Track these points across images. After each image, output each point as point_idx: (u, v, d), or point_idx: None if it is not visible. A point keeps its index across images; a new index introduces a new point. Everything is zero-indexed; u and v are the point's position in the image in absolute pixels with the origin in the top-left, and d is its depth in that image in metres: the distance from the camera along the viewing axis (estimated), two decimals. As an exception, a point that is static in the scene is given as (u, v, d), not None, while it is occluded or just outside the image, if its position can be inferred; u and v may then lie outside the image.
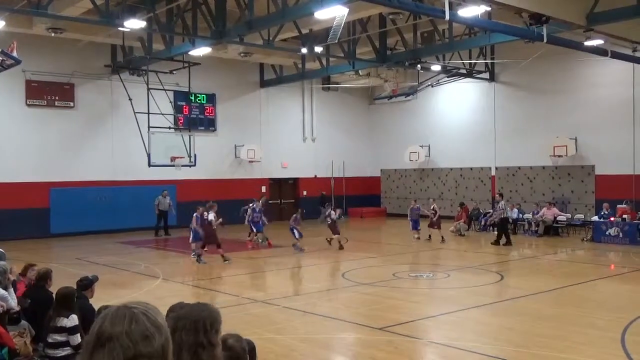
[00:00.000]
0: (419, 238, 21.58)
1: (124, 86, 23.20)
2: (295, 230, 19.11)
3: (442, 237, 21.02)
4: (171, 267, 16.94)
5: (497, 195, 21.40)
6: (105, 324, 1.71)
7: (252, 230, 20.59)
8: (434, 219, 21.12)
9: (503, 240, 20.17)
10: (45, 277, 7.64)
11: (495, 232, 22.08)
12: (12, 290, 7.75)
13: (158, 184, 24.58)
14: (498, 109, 27.85)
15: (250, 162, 28.81)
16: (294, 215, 19.76)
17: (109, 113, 25.18)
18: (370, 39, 22.89)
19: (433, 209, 21.29)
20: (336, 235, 19.57)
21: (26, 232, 22.11)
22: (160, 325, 1.75)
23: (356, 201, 32.07)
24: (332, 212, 19.99)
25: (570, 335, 9.04)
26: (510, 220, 22.48)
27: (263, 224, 20.60)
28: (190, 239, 17.47)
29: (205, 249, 17.39)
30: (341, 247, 19.35)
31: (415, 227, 21.80)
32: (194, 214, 17.53)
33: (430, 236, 21.31)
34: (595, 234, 20.88)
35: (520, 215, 23.94)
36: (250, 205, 20.51)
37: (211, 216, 17.09)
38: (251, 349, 3.22)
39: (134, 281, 14.80)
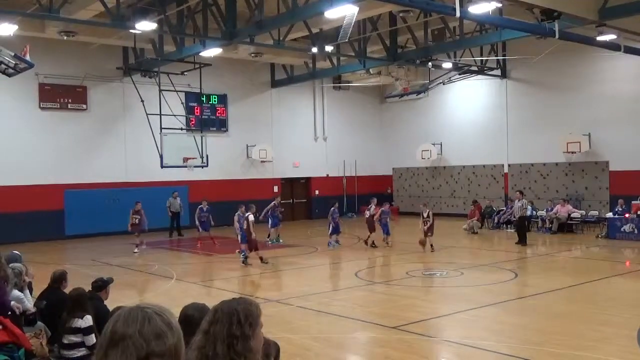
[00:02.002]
0: (387, 243, 19.55)
1: (136, 88, 23.32)
2: (331, 225, 19.91)
3: (431, 246, 18.45)
4: (185, 267, 17.01)
5: (517, 193, 20.95)
6: (119, 323, 1.74)
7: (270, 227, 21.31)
8: (426, 227, 18.48)
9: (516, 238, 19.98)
10: (60, 278, 7.70)
11: (512, 231, 22.06)
12: (27, 292, 7.82)
13: (171, 185, 24.69)
14: (510, 106, 27.70)
15: (262, 162, 28.87)
16: (332, 209, 20.20)
17: (121, 115, 25.33)
18: (381, 37, 22.84)
19: (427, 216, 18.68)
20: (372, 233, 19.40)
21: (41, 234, 22.29)
22: (172, 325, 1.78)
23: (368, 200, 31.95)
24: (373, 206, 19.79)
25: (586, 333, 8.97)
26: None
27: (275, 224, 21.17)
28: (240, 239, 17.01)
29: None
30: (374, 245, 19.33)
31: (385, 231, 19.54)
32: (237, 214, 17.73)
33: (432, 246, 18.49)
34: (610, 230, 20.70)
35: (534, 212, 23.79)
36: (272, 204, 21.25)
37: (251, 217, 16.33)
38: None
39: (148, 282, 14.89)
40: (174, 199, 23.56)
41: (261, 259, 16.31)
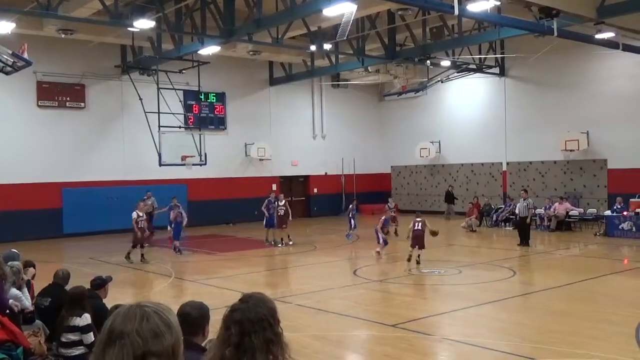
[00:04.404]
0: (379, 255, 17.00)
1: (134, 86, 23.28)
2: (352, 221, 20.49)
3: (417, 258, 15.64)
4: (183, 265, 16.99)
5: (522, 192, 20.70)
6: (117, 321, 1.73)
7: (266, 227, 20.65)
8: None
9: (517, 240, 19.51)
10: (66, 278, 7.73)
11: (511, 229, 22.14)
12: (25, 290, 7.82)
13: (169, 184, 24.67)
14: (508, 104, 27.71)
15: (261, 160, 28.84)
16: (350, 205, 20.69)
17: (120, 113, 25.30)
18: (379, 36, 22.83)
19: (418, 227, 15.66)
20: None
21: (39, 233, 22.25)
22: (171, 324, 1.77)
23: (367, 198, 32.02)
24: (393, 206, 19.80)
25: (584, 331, 8.98)
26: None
27: (269, 224, 20.36)
28: (172, 235, 18.91)
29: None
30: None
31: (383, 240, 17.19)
32: (178, 210, 18.88)
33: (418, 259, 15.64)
34: (608, 228, 20.74)
35: (532, 210, 23.74)
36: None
37: (134, 215, 17.19)
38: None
39: (147, 280, 14.89)
40: (148, 198, 22.76)
41: (139, 255, 17.04)
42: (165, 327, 1.74)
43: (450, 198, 28.92)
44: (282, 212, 20.01)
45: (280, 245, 19.82)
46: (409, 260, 15.46)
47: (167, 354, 1.71)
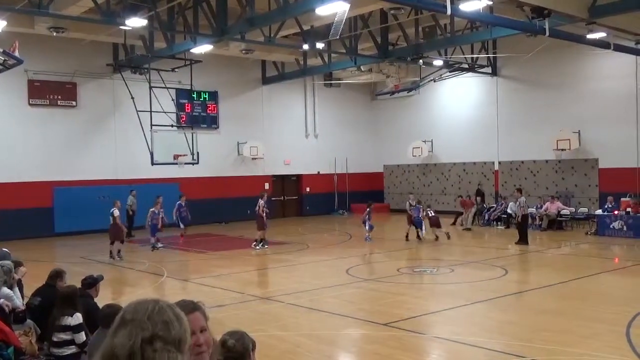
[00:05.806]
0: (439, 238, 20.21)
1: (126, 85, 23.20)
2: (366, 224, 20.53)
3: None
4: (175, 265, 16.97)
5: (515, 191, 20.79)
6: (130, 308, 1.82)
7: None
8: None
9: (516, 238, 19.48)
10: (56, 276, 7.68)
11: (502, 227, 22.23)
12: (17, 289, 7.79)
13: (161, 182, 24.59)
14: (501, 103, 27.79)
15: (253, 159, 28.81)
16: (368, 208, 20.77)
17: (112, 112, 25.20)
18: (372, 35, 22.85)
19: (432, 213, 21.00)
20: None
21: (30, 232, 22.15)
22: (182, 318, 1.85)
23: (359, 197, 32.01)
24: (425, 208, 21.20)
25: (575, 329, 9.03)
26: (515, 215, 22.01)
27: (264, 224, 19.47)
28: (150, 232, 19.49)
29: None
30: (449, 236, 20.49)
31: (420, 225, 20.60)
32: (151, 210, 19.39)
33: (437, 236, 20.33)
34: (599, 227, 20.83)
35: (524, 208, 23.77)
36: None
37: (116, 212, 17.69)
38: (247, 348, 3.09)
39: (139, 279, 14.85)
40: (134, 197, 22.49)
41: (116, 252, 17.37)
42: (176, 319, 1.82)
43: (480, 195, 28.31)
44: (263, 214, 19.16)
45: (257, 247, 19.01)
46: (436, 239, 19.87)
47: (174, 343, 1.77)
